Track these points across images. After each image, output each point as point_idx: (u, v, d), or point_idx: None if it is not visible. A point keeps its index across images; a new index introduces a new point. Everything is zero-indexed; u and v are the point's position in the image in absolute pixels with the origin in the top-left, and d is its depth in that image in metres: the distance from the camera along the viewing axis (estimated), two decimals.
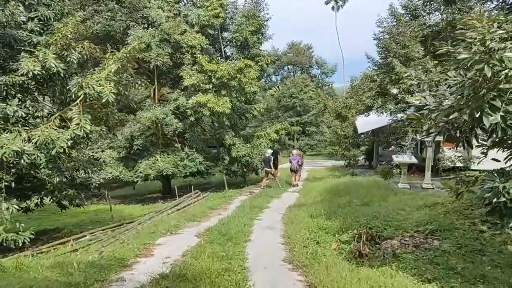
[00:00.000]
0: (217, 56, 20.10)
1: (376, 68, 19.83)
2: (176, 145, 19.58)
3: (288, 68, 62.29)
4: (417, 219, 8.33)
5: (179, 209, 14.08)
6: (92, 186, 12.45)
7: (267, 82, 63.19)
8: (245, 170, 21.51)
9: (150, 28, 18.64)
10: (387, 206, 10.61)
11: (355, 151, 24.57)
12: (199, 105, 17.98)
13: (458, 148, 17.68)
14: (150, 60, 17.43)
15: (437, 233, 7.55)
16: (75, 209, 14.12)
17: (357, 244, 7.38)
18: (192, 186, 17.13)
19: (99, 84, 8.51)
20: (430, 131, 5.26)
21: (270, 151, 19.83)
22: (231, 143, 19.62)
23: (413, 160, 14.80)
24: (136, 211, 17.20)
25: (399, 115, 20.96)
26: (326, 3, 67.92)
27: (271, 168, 19.26)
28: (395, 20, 19.85)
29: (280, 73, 63.41)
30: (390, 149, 32.64)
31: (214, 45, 21.89)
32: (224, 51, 20.78)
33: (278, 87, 60.33)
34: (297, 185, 19.71)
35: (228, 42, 20.76)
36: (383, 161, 25.94)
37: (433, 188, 13.79)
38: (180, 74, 18.39)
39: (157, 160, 17.86)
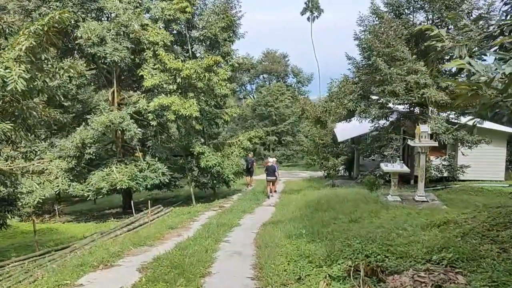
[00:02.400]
0: (184, 56, 18.02)
1: (357, 69, 18.22)
2: (136, 154, 17.29)
3: (263, 77, 60.67)
4: (427, 243, 6.42)
5: (131, 229, 11.83)
6: (23, 202, 10.08)
7: (241, 91, 61.62)
8: (215, 181, 19.38)
9: (106, 22, 16.46)
10: (382, 224, 8.72)
11: (335, 160, 22.78)
12: (162, 108, 15.84)
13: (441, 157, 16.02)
14: (105, 56, 15.18)
15: (459, 263, 5.65)
16: (16, 229, 11.75)
17: (354, 283, 5.38)
18: (150, 202, 14.84)
19: (4, 66, 6.34)
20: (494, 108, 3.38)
21: (273, 159, 20.22)
22: (200, 151, 17.50)
23: (405, 169, 13.06)
24: (83, 231, 14.78)
25: (381, 122, 19.42)
26: (302, 14, 67.05)
27: (275, 177, 18.96)
28: (376, 18, 18.35)
29: (255, 82, 61.77)
30: (371, 158, 31.24)
31: (181, 45, 19.83)
32: (192, 51, 18.75)
33: (253, 96, 58.88)
34: (273, 196, 18.99)
35: (195, 41, 18.76)
36: (364, 171, 24.34)
37: (427, 201, 12.05)
38: (140, 74, 16.23)
39: (112, 171, 15.54)
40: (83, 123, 16.16)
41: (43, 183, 14.08)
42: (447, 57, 19.14)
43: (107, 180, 15.08)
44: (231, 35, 18.64)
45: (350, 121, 20.07)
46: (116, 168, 15.80)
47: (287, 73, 60.14)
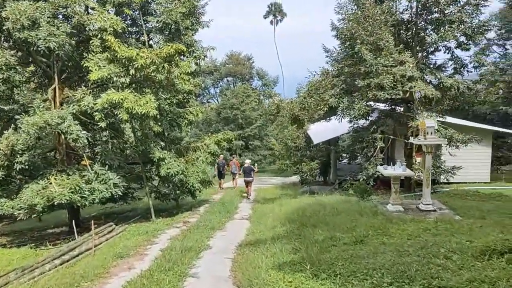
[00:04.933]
0: (139, 46, 15.37)
1: (337, 61, 16.23)
2: (83, 162, 14.42)
3: (227, 80, 58.43)
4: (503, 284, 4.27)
5: (67, 261, 9.10)
6: None
7: (205, 94, 58.99)
8: (178, 192, 16.77)
9: (41, 1, 13.59)
10: (401, 247, 6.58)
11: (312, 164, 20.76)
12: (112, 106, 13.12)
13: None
14: (37, 42, 12.32)
15: None
16: None
17: None
18: (102, 218, 12.09)
19: None
20: None
21: (248, 161, 21.60)
22: (160, 157, 14.87)
23: (408, 172, 11.07)
24: (9, 260, 11.74)
25: (361, 122, 17.56)
26: (265, 17, 65.56)
27: (252, 177, 20.20)
28: (355, 6, 16.47)
29: (219, 85, 59.41)
30: (345, 161, 29.51)
31: (136, 35, 17.19)
32: (149, 42, 16.16)
33: (217, 100, 56.37)
34: (250, 198, 19.55)
35: (153, 30, 16.19)
36: (342, 175, 22.47)
37: (435, 210, 10.09)
38: (84, 65, 13.46)
39: (51, 183, 12.68)
40: (11, 126, 13.19)
41: None
42: (431, 49, 17.71)
43: (43, 194, 12.19)
44: (194, 22, 16.17)
45: (330, 119, 18.06)
46: (56, 179, 12.91)
47: (252, 76, 58.21)
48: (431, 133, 9.95)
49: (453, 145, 16.12)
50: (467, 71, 16.82)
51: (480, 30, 15.55)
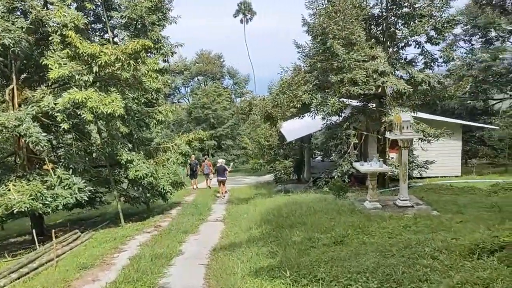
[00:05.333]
0: (103, 43, 14.60)
1: (310, 57, 15.95)
2: (45, 166, 13.56)
3: (198, 79, 57.61)
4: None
5: (25, 274, 8.37)
6: None
7: (175, 94, 57.94)
8: (149, 195, 16.09)
9: None
10: (382, 246, 6.29)
11: (286, 163, 20.45)
12: (75, 106, 12.34)
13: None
14: None
15: None
16: None
17: None
18: (56, 228, 11.36)
19: None
20: None
21: (223, 160, 22.09)
22: (128, 159, 14.17)
23: (385, 168, 10.86)
24: None
25: (334, 118, 17.39)
26: (235, 16, 64.98)
27: (225, 177, 20.44)
28: (326, 0, 16.26)
29: (189, 85, 58.49)
30: (318, 159, 29.38)
31: (101, 31, 16.40)
32: (113, 37, 15.41)
33: (188, 100, 55.41)
34: (224, 197, 19.84)
35: (117, 26, 15.45)
36: (316, 173, 22.28)
37: (412, 206, 9.91)
38: (43, 63, 12.62)
39: (9, 190, 11.82)
40: None
41: None
42: (402, 44, 17.71)
43: (1, 202, 11.32)
44: (160, 18, 15.52)
45: (303, 117, 17.81)
46: (15, 186, 12.05)
47: (223, 75, 57.65)
48: (407, 127, 9.77)
49: (425, 139, 16.18)
50: (438, 65, 16.93)
51: (450, 24, 15.63)
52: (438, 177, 19.54)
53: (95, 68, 12.32)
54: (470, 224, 7.55)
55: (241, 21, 64.72)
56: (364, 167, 10.38)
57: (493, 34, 29.48)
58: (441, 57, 16.45)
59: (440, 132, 16.54)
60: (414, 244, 5.80)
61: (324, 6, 16.06)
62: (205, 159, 26.54)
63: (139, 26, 15.25)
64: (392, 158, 17.11)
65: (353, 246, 6.79)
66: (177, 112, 46.21)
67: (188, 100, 56.11)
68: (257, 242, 8.65)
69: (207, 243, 10.05)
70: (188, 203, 18.44)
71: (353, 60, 14.20)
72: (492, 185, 14.53)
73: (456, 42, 30.28)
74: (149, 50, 14.50)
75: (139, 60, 13.64)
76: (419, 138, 15.37)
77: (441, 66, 17.12)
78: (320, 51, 15.13)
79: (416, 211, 9.44)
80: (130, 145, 15.23)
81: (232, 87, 57.75)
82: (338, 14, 14.82)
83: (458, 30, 28.40)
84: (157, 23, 15.43)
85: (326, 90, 14.82)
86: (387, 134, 11.59)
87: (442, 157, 19.33)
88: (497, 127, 23.97)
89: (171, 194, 16.22)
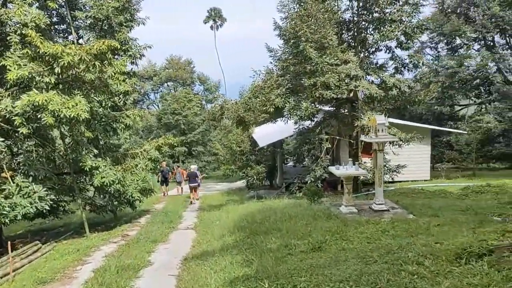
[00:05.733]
0: (67, 44, 13.89)
1: (282, 60, 15.75)
2: (2, 174, 12.67)
3: (167, 85, 56.65)
4: None
5: None
6: None
7: (145, 100, 56.77)
8: (116, 203, 15.38)
9: None
10: (362, 252, 6.03)
11: (259, 168, 20.15)
12: (35, 109, 11.60)
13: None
14: None
15: None
16: None
17: None
18: (15, 239, 10.57)
19: None
20: None
21: (194, 166, 22.37)
22: (93, 166, 13.47)
23: (361, 171, 10.70)
24: None
25: (307, 123, 17.26)
26: (205, 22, 64.52)
27: (197, 183, 20.17)
28: (297, 4, 16.16)
29: (159, 91, 57.45)
30: (291, 164, 29.21)
31: (64, 32, 15.67)
32: (78, 39, 14.72)
33: (157, 106, 54.34)
34: (195, 203, 19.59)
35: (82, 27, 14.77)
36: (288, 178, 22.08)
37: (388, 210, 9.77)
38: (1, 64, 11.82)
39: None
40: None
41: None
42: (373, 49, 17.81)
43: None
44: (128, 19, 14.95)
45: (276, 121, 17.58)
46: None
47: (193, 80, 56.96)
48: (382, 130, 9.65)
49: (396, 144, 16.27)
50: (408, 70, 17.09)
51: (420, 29, 15.83)
52: (408, 181, 19.72)
53: (57, 69, 11.64)
54: (447, 227, 7.44)
55: (212, 27, 64.34)
56: (339, 171, 10.18)
57: (458, 41, 30.40)
58: (411, 61, 16.61)
59: (411, 136, 16.70)
60: (396, 249, 5.57)
61: (296, 9, 15.96)
62: (178, 167, 26.14)
63: (105, 27, 14.65)
64: (364, 162, 17.11)
65: (332, 252, 6.50)
66: (146, 118, 45.38)
67: (158, 106, 55.11)
68: (231, 250, 8.24)
69: (178, 253, 9.56)
70: (158, 210, 17.83)
71: (326, 63, 14.10)
72: (462, 189, 14.70)
73: (422, 50, 31.01)
74: (116, 51, 13.92)
75: (105, 61, 13.02)
76: (391, 142, 15.42)
77: (412, 71, 17.31)
78: (293, 54, 14.96)
79: (392, 215, 9.30)
80: (96, 151, 14.48)
81: (203, 93, 57.13)
82: (310, 18, 14.71)
83: (424, 37, 29.11)
84: (124, 24, 14.86)
85: (299, 94, 14.63)
86: (362, 137, 11.47)
87: (412, 161, 19.54)
88: (465, 132, 24.55)
89: (140, 201, 15.57)
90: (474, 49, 29.59)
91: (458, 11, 29.01)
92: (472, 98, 30.94)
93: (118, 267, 8.09)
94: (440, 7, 29.38)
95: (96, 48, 12.01)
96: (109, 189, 13.73)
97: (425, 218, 8.67)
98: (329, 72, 14.05)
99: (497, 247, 4.28)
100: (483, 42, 29.94)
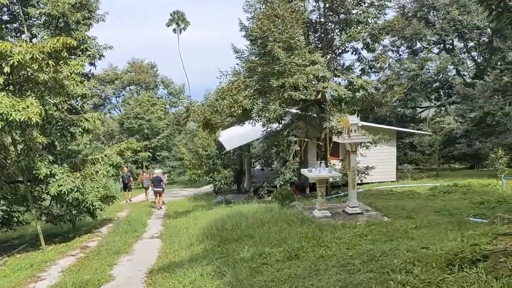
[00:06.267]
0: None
1: (250, 61, 15.32)
2: None
3: (130, 88, 55.02)
4: None
5: None
6: None
7: (106, 104, 54.94)
8: (74, 212, 14.43)
9: None
10: (342, 259, 5.67)
11: (227, 172, 19.65)
12: None
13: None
14: None
15: None
16: None
17: None
18: None
19: None
20: None
21: (159, 171, 22.00)
22: (49, 173, 12.53)
23: (334, 173, 10.39)
24: None
25: (275, 125, 16.93)
26: (168, 25, 63.39)
27: (162, 187, 19.80)
28: (263, 4, 15.83)
29: (121, 95, 55.74)
30: (258, 168, 28.83)
31: (17, 31, 14.61)
32: (31, 38, 13.73)
33: (119, 110, 52.64)
34: (161, 208, 19.36)
35: (36, 25, 13.79)
36: (256, 182, 21.67)
37: (362, 213, 9.51)
38: None
39: None
40: None
41: None
42: (339, 51, 17.74)
43: None
44: (86, 16, 14.09)
45: (243, 124, 17.14)
46: None
47: (157, 84, 55.67)
48: (355, 131, 9.40)
49: (364, 145, 16.22)
50: (374, 71, 17.12)
51: (385, 30, 15.85)
52: (375, 182, 19.77)
53: (7, 69, 10.69)
54: (425, 230, 7.23)
55: (174, 30, 63.27)
56: (312, 173, 9.84)
57: (418, 45, 31.16)
58: (377, 63, 16.62)
59: (379, 138, 16.71)
60: (379, 256, 5.23)
61: (262, 9, 15.61)
62: (143, 172, 25.42)
63: (61, 25, 13.73)
64: (334, 165, 16.96)
65: (310, 260, 6.10)
66: (107, 123, 43.80)
67: (120, 110, 53.42)
68: (201, 260, 7.69)
69: (143, 265, 8.90)
70: (120, 219, 16.95)
71: (294, 64, 13.81)
72: (430, 189, 14.75)
73: (385, 53, 31.54)
74: (72, 50, 13.05)
75: (61, 61, 12.15)
76: (362, 143, 15.31)
77: (378, 72, 17.37)
78: (260, 55, 14.56)
79: (367, 218, 9.04)
80: (52, 158, 13.52)
81: (167, 97, 55.93)
82: (277, 18, 14.40)
83: (386, 41, 29.61)
84: (82, 22, 14.01)
85: (267, 96, 14.24)
86: (335, 138, 11.21)
87: (379, 163, 19.59)
88: (429, 133, 25.04)
89: (101, 210, 14.67)
90: (434, 53, 30.40)
91: (418, 15, 29.69)
92: (433, 100, 31.76)
93: (76, 284, 7.37)
94: (401, 11, 29.98)
95: (50, 46, 11.14)
96: (67, 198, 12.80)
97: (400, 221, 8.45)
98: (298, 73, 13.77)
99: (491, 252, 3.99)
100: (442, 45, 30.83)
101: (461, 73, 30.08)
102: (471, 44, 30.28)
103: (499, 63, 28.71)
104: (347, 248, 6.39)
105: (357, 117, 9.57)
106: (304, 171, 10.52)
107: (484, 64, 29.55)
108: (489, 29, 27.56)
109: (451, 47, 30.36)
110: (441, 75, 29.66)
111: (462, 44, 30.25)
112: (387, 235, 6.99)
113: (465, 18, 26.99)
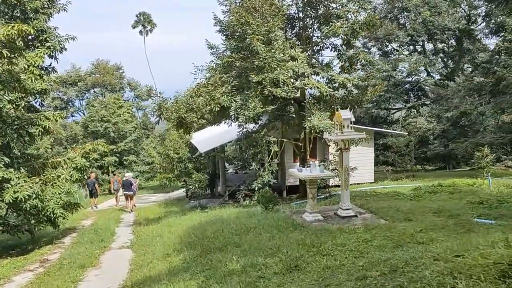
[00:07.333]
0: None
1: (225, 56, 14.41)
2: None
3: (94, 91, 52.78)
4: None
5: None
6: None
7: (69, 107, 52.39)
8: (33, 221, 13.00)
9: None
10: (358, 270, 4.84)
11: (201, 176, 18.59)
12: None
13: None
14: None
15: None
16: None
17: None
18: None
19: None
20: None
21: (129, 174, 21.75)
22: (4, 178, 11.14)
23: (327, 173, 9.60)
24: None
25: (251, 126, 16.07)
26: (134, 27, 61.31)
27: (132, 191, 19.56)
28: None
29: (85, 97, 53.36)
30: (232, 171, 27.84)
31: None
32: None
33: (83, 113, 50.29)
34: (132, 211, 19.13)
35: None
36: (231, 186, 20.70)
37: (356, 216, 8.76)
38: None
39: None
40: None
41: None
42: (318, 47, 17.13)
43: None
44: (46, 4, 12.75)
45: (219, 124, 16.18)
46: None
47: (123, 86, 53.70)
48: (348, 126, 8.66)
49: (354, 142, 15.59)
50: (355, 69, 16.59)
51: (366, 26, 15.33)
52: (353, 184, 19.19)
53: None
54: (433, 233, 6.53)
55: (141, 32, 61.20)
56: (303, 173, 9.01)
57: (389, 47, 31.22)
58: (358, 59, 16.09)
59: (361, 137, 16.13)
60: (403, 266, 4.44)
61: (239, 2, 14.78)
62: (114, 175, 24.37)
63: (17, 14, 12.35)
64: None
65: (315, 272, 5.23)
66: (70, 127, 41.61)
67: (84, 113, 51.04)
68: (182, 274, 6.68)
69: (114, 280, 7.78)
70: (85, 228, 15.56)
71: (274, 59, 13.01)
72: (414, 189, 14.23)
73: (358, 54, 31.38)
74: (30, 42, 11.73)
75: (16, 52, 10.82)
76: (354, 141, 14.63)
77: (359, 69, 16.88)
78: (238, 49, 13.65)
79: (362, 221, 8.30)
80: (7, 160, 12.08)
81: (133, 100, 54.04)
82: (256, 11, 13.59)
83: (358, 43, 29.44)
84: (41, 10, 12.64)
85: (246, 92, 13.34)
86: (326, 135, 10.46)
87: (358, 164, 19.07)
88: (406, 133, 24.89)
89: (63, 218, 13.27)
90: (404, 54, 30.47)
91: (390, 16, 29.73)
92: (402, 102, 31.83)
93: None
94: (372, 12, 29.89)
95: (3, 34, 9.83)
96: (25, 206, 11.39)
97: (399, 224, 7.76)
98: (278, 68, 12.97)
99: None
100: (413, 47, 31.00)
101: (431, 74, 30.31)
102: (441, 46, 30.62)
103: (467, 65, 29.18)
104: (355, 256, 5.57)
105: (350, 111, 8.82)
106: (293, 171, 9.68)
107: (452, 67, 29.91)
108: (457, 31, 27.92)
109: (422, 49, 30.55)
110: (412, 77, 29.77)
111: (432, 46, 30.53)
112: (393, 240, 6.23)
113: (436, 19, 27.15)
